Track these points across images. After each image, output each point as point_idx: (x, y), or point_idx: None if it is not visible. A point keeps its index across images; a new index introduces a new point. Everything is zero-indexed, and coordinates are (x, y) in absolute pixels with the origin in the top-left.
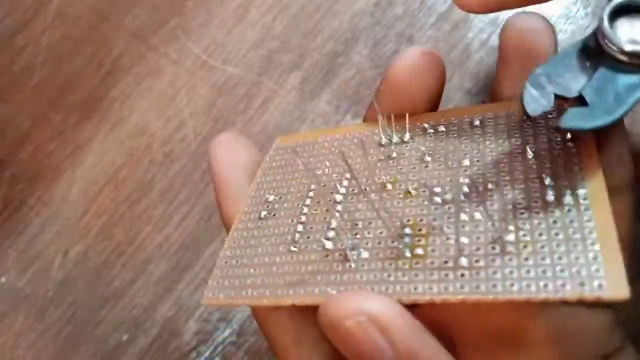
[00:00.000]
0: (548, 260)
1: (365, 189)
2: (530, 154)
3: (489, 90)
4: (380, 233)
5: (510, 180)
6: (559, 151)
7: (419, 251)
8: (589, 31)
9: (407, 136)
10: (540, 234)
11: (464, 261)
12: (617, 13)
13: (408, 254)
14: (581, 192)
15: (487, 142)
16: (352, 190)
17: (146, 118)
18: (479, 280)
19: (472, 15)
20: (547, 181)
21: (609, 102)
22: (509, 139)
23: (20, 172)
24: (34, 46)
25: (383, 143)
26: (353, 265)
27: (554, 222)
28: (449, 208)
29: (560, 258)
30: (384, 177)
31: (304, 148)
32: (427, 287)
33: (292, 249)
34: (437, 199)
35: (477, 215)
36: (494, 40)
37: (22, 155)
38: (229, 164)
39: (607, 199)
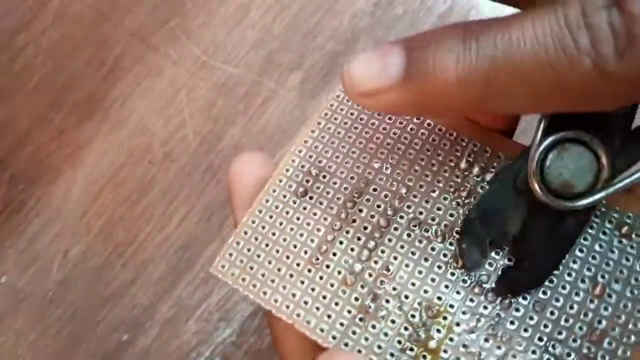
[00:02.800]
0: None
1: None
2: None
3: None
4: (406, 297)
5: None
6: None
7: (432, 344)
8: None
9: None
10: None
11: None
12: (548, 150)
13: (421, 340)
14: None
15: None
16: (410, 219)
17: (146, 118)
18: None
19: (472, 15)
20: None
21: (544, 254)
22: None
23: (20, 172)
24: (34, 46)
25: (462, 167)
26: (365, 321)
27: None
28: (489, 315)
29: None
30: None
31: (368, 115)
32: None
33: (314, 260)
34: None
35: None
36: None
37: (22, 155)
38: (248, 176)
39: None
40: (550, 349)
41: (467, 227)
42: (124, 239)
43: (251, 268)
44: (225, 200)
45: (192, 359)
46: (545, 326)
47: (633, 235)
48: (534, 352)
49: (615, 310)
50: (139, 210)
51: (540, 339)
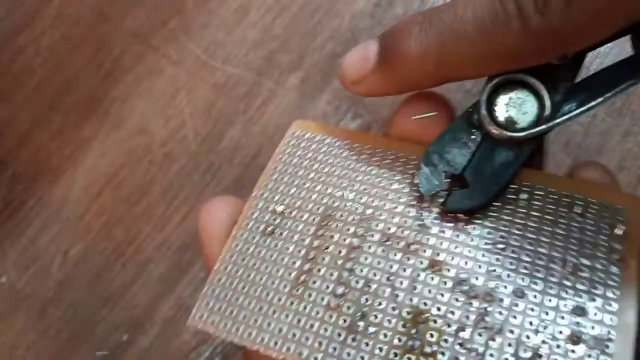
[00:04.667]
0: None
1: (391, 242)
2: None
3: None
4: (394, 309)
5: None
6: None
7: (428, 349)
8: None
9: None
10: None
11: None
12: (498, 88)
13: (416, 349)
14: None
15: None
16: (381, 235)
17: (146, 118)
18: None
19: None
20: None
21: (486, 182)
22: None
23: (20, 172)
24: (34, 46)
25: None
26: (357, 340)
27: None
28: (477, 309)
29: None
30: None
31: (325, 145)
32: None
33: (295, 292)
34: (467, 295)
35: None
36: None
37: (22, 155)
38: (218, 221)
39: None
40: (540, 329)
41: (425, 159)
42: (124, 239)
43: (231, 312)
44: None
45: (192, 359)
46: (532, 310)
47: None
48: (527, 337)
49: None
50: (139, 210)
51: (530, 323)
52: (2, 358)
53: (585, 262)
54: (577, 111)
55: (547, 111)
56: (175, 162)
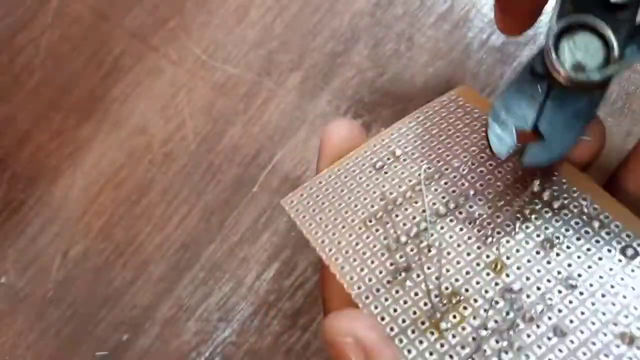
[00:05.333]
0: None
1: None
2: None
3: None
4: (437, 278)
5: None
6: None
7: (443, 325)
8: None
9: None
10: None
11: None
12: (561, 34)
13: (437, 317)
14: None
15: None
16: (468, 216)
17: (146, 118)
18: None
19: (472, 15)
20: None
21: (561, 133)
22: None
23: (20, 172)
24: (34, 46)
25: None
26: (391, 284)
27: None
28: (509, 321)
29: None
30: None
31: (476, 119)
32: None
33: (368, 223)
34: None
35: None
36: (494, 40)
37: (22, 155)
38: (339, 138)
39: None
40: None
41: (493, 116)
42: (124, 239)
43: (313, 210)
44: (225, 200)
45: (192, 359)
46: (560, 350)
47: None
48: None
49: None
50: (139, 210)
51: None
52: (2, 358)
53: None
54: None
55: (616, 52)
56: (175, 162)
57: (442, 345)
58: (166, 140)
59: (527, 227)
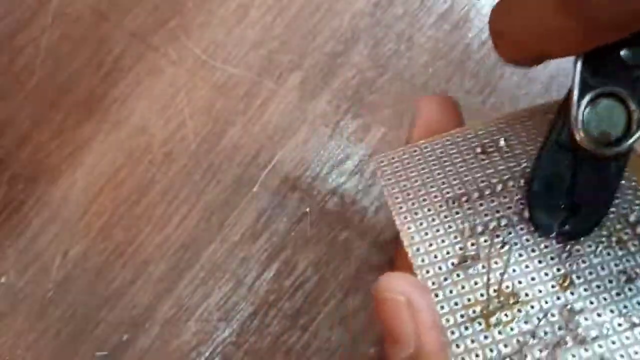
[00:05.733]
0: None
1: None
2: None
3: None
4: (500, 274)
5: None
6: None
7: (493, 320)
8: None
9: None
10: None
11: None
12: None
13: (491, 309)
14: None
15: None
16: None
17: (146, 118)
18: None
19: (472, 15)
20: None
21: (595, 202)
22: None
23: (20, 172)
24: (34, 46)
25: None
26: (455, 267)
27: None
28: (559, 337)
29: None
30: None
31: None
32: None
33: (451, 204)
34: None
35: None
36: None
37: (22, 155)
38: (437, 112)
39: None
40: None
41: (534, 199)
42: (124, 239)
43: (400, 176)
44: (225, 200)
45: (192, 359)
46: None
47: None
48: None
49: None
50: (139, 210)
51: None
52: (2, 358)
53: None
54: None
55: (637, 114)
56: (175, 162)
57: (485, 337)
58: (166, 140)
59: (608, 254)
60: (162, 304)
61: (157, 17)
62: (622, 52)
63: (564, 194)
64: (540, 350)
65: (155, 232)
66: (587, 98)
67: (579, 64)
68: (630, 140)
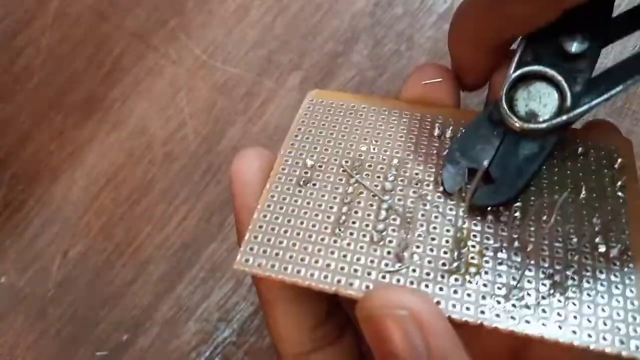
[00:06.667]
0: (594, 311)
1: (419, 185)
2: (583, 194)
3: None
4: (433, 239)
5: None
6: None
7: (473, 270)
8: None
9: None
10: (589, 283)
11: (515, 292)
12: (517, 82)
13: (462, 270)
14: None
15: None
16: (411, 179)
17: (146, 118)
18: (530, 315)
19: None
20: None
21: (512, 176)
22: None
23: (20, 172)
24: (34, 46)
25: (436, 134)
26: (404, 267)
27: (601, 273)
28: (512, 234)
29: (604, 311)
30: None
31: (343, 109)
32: (479, 311)
33: (337, 232)
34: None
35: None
36: None
37: (22, 155)
38: (248, 172)
39: None
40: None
41: (449, 157)
42: (124, 239)
43: (277, 254)
44: (225, 200)
45: (192, 359)
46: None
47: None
48: (557, 251)
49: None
50: (139, 210)
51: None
52: (2, 358)
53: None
54: (598, 100)
55: (568, 102)
56: (175, 162)
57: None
58: (166, 140)
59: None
60: (162, 304)
61: (157, 17)
62: (568, 42)
63: (479, 163)
64: (516, 253)
65: (155, 232)
66: (517, 73)
67: (522, 46)
68: (553, 121)
